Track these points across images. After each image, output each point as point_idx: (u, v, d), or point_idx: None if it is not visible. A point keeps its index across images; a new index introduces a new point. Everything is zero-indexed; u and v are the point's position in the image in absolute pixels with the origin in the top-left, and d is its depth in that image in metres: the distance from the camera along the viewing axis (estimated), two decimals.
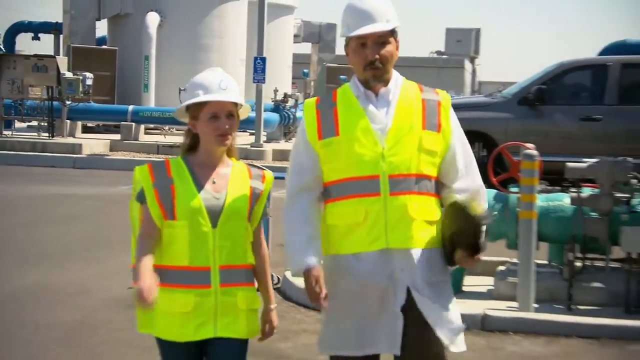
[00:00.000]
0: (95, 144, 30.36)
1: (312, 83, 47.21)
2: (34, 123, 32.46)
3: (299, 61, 52.97)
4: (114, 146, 30.87)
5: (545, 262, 12.08)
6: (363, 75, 3.90)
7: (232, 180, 3.96)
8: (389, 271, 3.81)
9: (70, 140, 30.43)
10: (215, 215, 3.81)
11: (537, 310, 11.09)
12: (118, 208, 17.93)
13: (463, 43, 63.18)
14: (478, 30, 64.07)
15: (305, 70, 46.54)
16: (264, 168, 4.13)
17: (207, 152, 3.94)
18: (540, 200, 12.19)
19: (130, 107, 33.80)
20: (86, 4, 40.51)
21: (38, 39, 45.61)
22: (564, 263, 12.18)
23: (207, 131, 3.84)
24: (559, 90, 19.49)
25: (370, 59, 3.81)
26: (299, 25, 51.41)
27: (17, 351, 8.46)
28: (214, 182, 3.90)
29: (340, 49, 62.40)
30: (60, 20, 41.97)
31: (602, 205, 11.85)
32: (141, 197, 3.88)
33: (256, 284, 4.22)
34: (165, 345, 3.88)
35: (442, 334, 3.81)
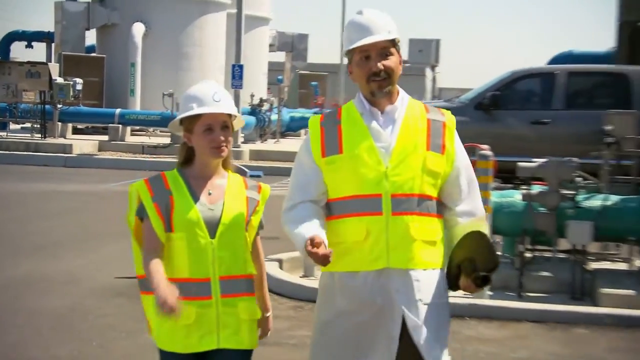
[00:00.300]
0: (84, 145, 30.22)
1: (286, 89, 46.73)
2: (28, 125, 32.39)
3: (274, 68, 52.71)
4: (102, 146, 30.75)
5: (499, 253, 11.43)
6: (367, 88, 3.61)
7: (228, 192, 3.73)
8: (386, 291, 3.54)
9: (61, 140, 30.31)
10: (212, 226, 3.58)
11: (491, 297, 11.63)
12: (106, 203, 17.96)
13: (424, 52, 63.77)
14: (438, 41, 64.67)
15: (279, 77, 46.31)
16: (258, 174, 3.87)
17: (202, 164, 3.70)
18: (494, 197, 12.74)
19: (117, 110, 33.78)
20: (76, 14, 40.46)
21: (31, 47, 45.50)
22: (515, 254, 12.74)
23: (202, 144, 3.60)
24: (511, 96, 19.81)
25: (374, 70, 3.53)
26: (274, 36, 51.53)
27: (11, 336, 8.53)
28: (209, 194, 3.67)
29: (311, 58, 62.93)
30: (52, 30, 41.98)
31: (550, 201, 12.40)
32: (141, 213, 3.64)
33: None
34: (168, 357, 3.64)
35: (433, 353, 3.58)
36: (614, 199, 12.49)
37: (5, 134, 32.64)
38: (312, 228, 3.53)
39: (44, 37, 44.14)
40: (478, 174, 10.83)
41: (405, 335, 3.50)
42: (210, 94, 3.62)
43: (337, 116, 3.78)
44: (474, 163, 10.77)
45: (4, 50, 44.50)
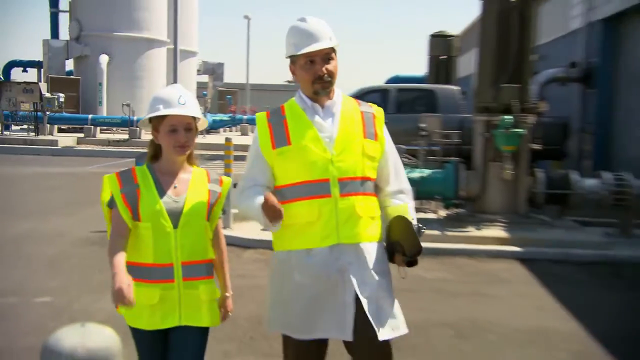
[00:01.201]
0: (66, 140, 30.09)
1: (209, 100, 46.73)
2: (25, 126, 32.23)
3: (200, 87, 51.29)
4: (79, 141, 30.72)
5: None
6: (312, 88, 3.19)
7: (191, 185, 3.24)
8: (338, 265, 3.13)
9: (49, 137, 30.17)
10: (175, 217, 3.12)
11: None
12: (85, 181, 18.00)
13: None
14: None
15: (204, 92, 45.99)
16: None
17: (168, 160, 3.22)
18: None
19: (90, 116, 33.79)
20: (58, 49, 40.28)
21: (26, 71, 44.99)
22: None
23: (166, 142, 3.15)
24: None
25: (320, 74, 3.14)
26: (200, 63, 51.18)
27: (17, 275, 8.53)
28: (175, 187, 3.19)
29: (226, 79, 62.41)
30: (41, 59, 41.49)
31: None
32: (112, 203, 3.15)
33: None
34: (136, 332, 3.17)
35: (379, 325, 3.11)
36: (426, 171, 12.50)
37: (8, 133, 32.70)
38: (257, 192, 3.21)
39: (36, 64, 43.92)
40: None
41: (357, 302, 3.12)
42: (176, 97, 3.16)
43: (282, 112, 3.33)
44: None
45: (6, 73, 44.43)
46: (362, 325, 3.08)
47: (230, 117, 40.73)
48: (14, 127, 34.60)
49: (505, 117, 10.23)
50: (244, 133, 39.78)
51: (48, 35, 43.22)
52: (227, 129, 41.43)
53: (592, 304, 7.78)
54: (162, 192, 3.17)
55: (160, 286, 3.09)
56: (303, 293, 3.19)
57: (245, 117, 42.46)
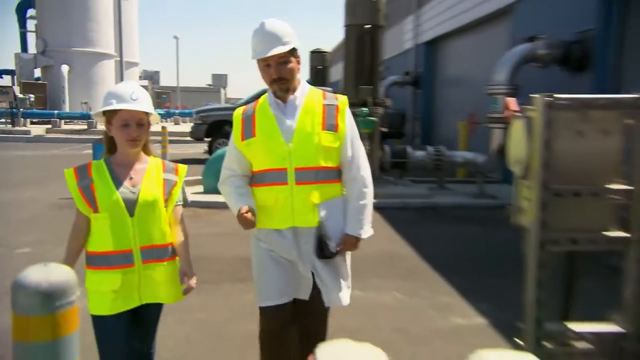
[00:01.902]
0: (38, 130, 28.56)
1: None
2: (2, 120, 30.58)
3: None
4: (48, 131, 29.09)
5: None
6: (272, 88, 2.81)
7: (147, 175, 2.73)
8: (297, 244, 2.81)
9: (23, 128, 28.65)
10: (132, 206, 2.64)
11: None
12: (53, 161, 17.11)
13: (221, 79, 60.67)
14: (225, 76, 61.56)
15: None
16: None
17: (123, 152, 2.71)
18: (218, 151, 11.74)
19: (56, 111, 31.86)
20: (28, 60, 38.62)
21: (2, 77, 42.81)
22: None
23: (119, 137, 2.66)
24: None
25: (274, 77, 2.74)
26: (141, 71, 49.87)
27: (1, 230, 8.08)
28: (131, 178, 2.69)
29: (162, 82, 61.87)
30: (14, 68, 40.17)
31: None
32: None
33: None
34: (99, 320, 2.65)
35: (324, 290, 2.83)
36: None
37: None
38: (243, 199, 2.84)
39: (10, 72, 42.10)
40: None
41: (315, 274, 2.84)
42: (129, 93, 2.65)
43: (253, 107, 2.91)
44: None
45: None
46: (314, 294, 2.83)
47: (165, 111, 39.17)
48: None
49: (363, 109, 10.76)
50: (176, 123, 38.80)
51: (19, 50, 41.88)
52: (163, 120, 40.67)
53: (421, 235, 8.17)
54: (118, 184, 2.66)
55: (122, 271, 2.61)
56: (270, 262, 2.87)
57: (177, 111, 42.03)
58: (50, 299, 1.62)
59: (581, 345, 2.13)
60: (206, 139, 17.68)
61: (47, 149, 21.54)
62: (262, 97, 2.91)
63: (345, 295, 2.94)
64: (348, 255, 3.00)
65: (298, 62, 2.84)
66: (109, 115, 2.66)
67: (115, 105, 2.61)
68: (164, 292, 2.76)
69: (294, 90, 2.83)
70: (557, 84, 11.24)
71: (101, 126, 2.91)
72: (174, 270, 2.80)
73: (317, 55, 24.83)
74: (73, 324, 1.68)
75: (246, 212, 2.74)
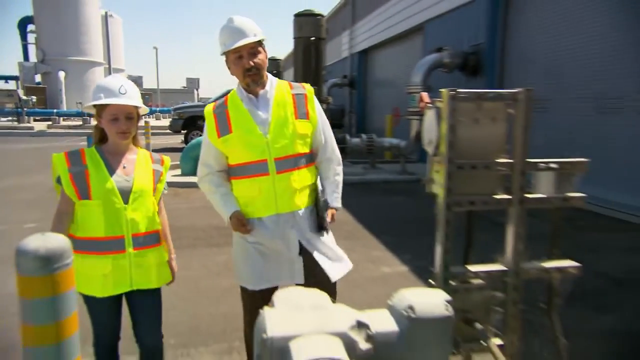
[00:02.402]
0: (40, 126, 27.46)
1: None
2: (9, 118, 29.17)
3: None
4: (49, 127, 27.90)
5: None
6: (244, 81, 2.42)
7: (137, 165, 2.39)
8: (281, 230, 2.45)
9: (27, 125, 27.48)
10: (126, 194, 2.30)
11: None
12: (54, 152, 16.34)
13: (194, 82, 58.61)
14: (197, 80, 59.47)
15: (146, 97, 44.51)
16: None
17: (114, 143, 2.34)
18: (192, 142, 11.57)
19: (55, 110, 30.65)
20: (29, 68, 36.46)
21: (8, 82, 40.45)
22: None
23: (109, 131, 2.31)
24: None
25: (247, 67, 2.37)
26: (127, 76, 47.78)
27: (7, 211, 7.78)
28: (124, 167, 2.34)
29: (145, 85, 59.97)
30: (18, 74, 38.26)
31: None
32: (59, 180, 2.30)
33: None
34: (88, 299, 2.33)
35: (327, 268, 2.48)
36: None
37: None
38: (230, 204, 2.51)
39: (14, 78, 39.70)
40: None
41: (302, 252, 2.47)
42: (117, 87, 2.28)
43: (225, 103, 2.50)
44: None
45: None
46: (311, 272, 2.47)
47: (149, 109, 38.41)
48: (1, 119, 31.10)
49: None
50: (157, 118, 37.82)
51: (21, 59, 39.79)
52: (146, 116, 39.62)
53: (358, 205, 8.13)
54: (112, 172, 2.31)
55: (112, 257, 2.28)
56: (255, 252, 2.51)
57: (157, 109, 41.00)
58: (48, 262, 1.56)
59: (476, 281, 2.19)
60: (182, 131, 17.49)
61: (48, 142, 20.63)
62: (231, 93, 2.52)
63: (345, 265, 2.63)
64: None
65: (266, 56, 2.47)
66: (99, 108, 2.31)
67: (104, 100, 2.25)
68: (155, 277, 2.43)
69: (263, 84, 2.47)
70: (459, 84, 11.51)
71: (95, 121, 2.61)
72: (162, 255, 2.49)
73: (272, 62, 24.54)
74: (70, 283, 1.62)
75: (238, 218, 2.45)
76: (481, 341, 2.08)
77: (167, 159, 2.56)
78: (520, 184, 2.11)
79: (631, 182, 7.94)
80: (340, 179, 2.66)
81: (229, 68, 2.46)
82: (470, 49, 12.03)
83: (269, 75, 2.51)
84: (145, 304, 2.44)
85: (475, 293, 2.15)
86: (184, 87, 59.66)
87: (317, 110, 2.53)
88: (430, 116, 2.16)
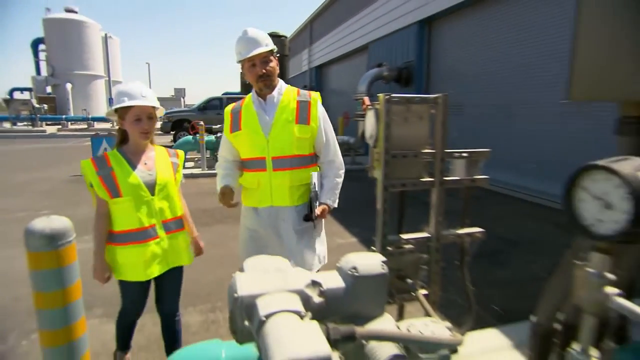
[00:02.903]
0: (52, 129, 26.04)
1: None
2: (25, 123, 27.49)
3: None
4: (59, 130, 26.42)
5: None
6: (257, 86, 2.28)
7: (157, 160, 2.23)
8: (274, 221, 2.31)
9: (40, 128, 26.03)
10: (151, 186, 2.15)
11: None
12: (64, 151, 15.67)
13: (180, 91, 56.30)
14: (184, 89, 57.42)
15: None
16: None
17: (135, 143, 2.17)
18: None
19: (64, 116, 28.76)
20: (41, 81, 34.42)
21: (23, 93, 37.77)
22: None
23: (133, 131, 2.12)
24: (211, 105, 17.16)
25: (260, 74, 2.23)
26: None
27: (25, 201, 7.33)
28: (145, 164, 2.17)
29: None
30: (31, 86, 35.93)
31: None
32: (91, 184, 2.12)
33: None
34: (129, 285, 2.17)
35: (302, 262, 2.26)
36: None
37: (15, 126, 27.34)
38: (224, 180, 2.34)
39: (28, 89, 37.39)
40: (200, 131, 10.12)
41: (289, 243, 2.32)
42: (139, 91, 2.10)
43: (240, 104, 2.37)
44: (198, 127, 10.14)
45: (10, 94, 37.36)
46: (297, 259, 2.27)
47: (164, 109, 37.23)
48: (18, 124, 29.37)
49: None
50: None
51: (34, 73, 36.88)
52: None
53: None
54: (135, 169, 2.15)
55: (149, 244, 2.13)
56: (251, 238, 2.39)
57: None
58: (53, 240, 1.49)
59: (407, 246, 2.21)
60: (171, 132, 17.21)
61: (58, 143, 19.74)
62: (248, 96, 2.37)
63: (323, 256, 2.42)
64: (321, 224, 2.44)
65: (277, 64, 2.31)
66: (122, 111, 2.11)
67: (128, 102, 2.07)
68: (185, 255, 2.30)
69: (273, 88, 2.30)
70: (395, 92, 11.77)
71: (97, 125, 2.44)
72: (187, 237, 2.34)
73: (277, 40, 24.12)
74: (72, 257, 1.56)
75: (224, 192, 2.28)
76: (411, 292, 2.10)
77: (181, 152, 2.38)
78: (440, 169, 2.13)
79: (520, 168, 8.28)
80: (339, 180, 2.40)
81: (244, 74, 2.29)
82: (403, 64, 12.23)
83: (280, 81, 2.34)
84: (173, 280, 2.30)
85: (406, 255, 2.16)
86: (172, 95, 57.68)
87: (319, 117, 2.31)
88: (370, 116, 2.15)
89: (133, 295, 2.22)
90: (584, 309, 0.79)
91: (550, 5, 7.44)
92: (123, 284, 2.18)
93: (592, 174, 0.77)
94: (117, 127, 2.19)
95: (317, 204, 2.27)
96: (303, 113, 2.28)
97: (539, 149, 7.86)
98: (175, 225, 2.25)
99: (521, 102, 8.37)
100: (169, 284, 2.31)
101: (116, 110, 2.12)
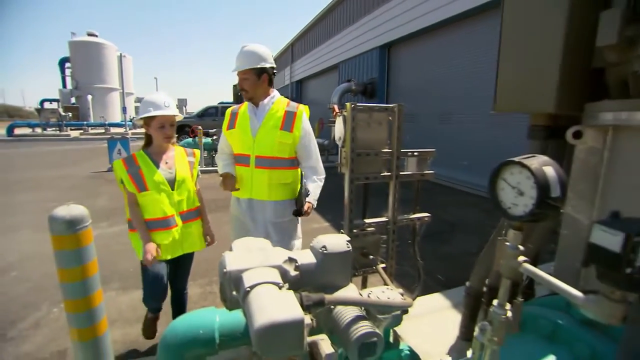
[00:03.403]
0: (75, 133, 25.02)
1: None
2: (53, 128, 26.15)
3: (137, 108, 44.94)
4: (81, 134, 25.40)
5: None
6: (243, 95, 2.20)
7: (177, 160, 2.17)
8: (252, 213, 2.21)
9: (66, 132, 24.91)
10: (172, 182, 2.10)
11: None
12: (85, 151, 15.05)
13: (183, 101, 50.55)
14: (186, 100, 53.11)
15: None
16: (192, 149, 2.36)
17: (159, 146, 2.12)
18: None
19: (85, 122, 27.84)
20: (66, 93, 33.14)
21: (51, 103, 35.83)
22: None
23: (157, 136, 2.08)
24: (207, 113, 16.30)
25: (240, 87, 2.14)
26: (135, 98, 42.56)
27: (52, 194, 7.06)
28: (166, 162, 2.13)
29: None
30: (58, 97, 34.17)
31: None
32: (121, 180, 2.06)
33: None
34: (154, 266, 2.08)
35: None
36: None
37: (45, 131, 25.81)
38: (225, 168, 2.25)
39: (56, 100, 35.50)
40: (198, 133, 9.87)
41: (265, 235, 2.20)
42: (162, 101, 2.06)
43: (239, 108, 2.25)
44: (197, 130, 9.88)
45: (40, 104, 35.60)
46: None
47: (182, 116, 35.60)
48: (48, 129, 28.08)
49: None
50: None
51: (60, 86, 35.45)
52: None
53: None
54: (158, 167, 2.10)
55: (169, 231, 2.09)
56: (237, 224, 2.29)
57: None
58: (72, 224, 1.43)
59: (370, 229, 2.21)
60: (175, 136, 16.48)
61: (81, 145, 18.95)
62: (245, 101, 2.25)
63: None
64: (300, 221, 2.32)
65: (259, 79, 2.13)
66: (148, 119, 2.06)
67: (153, 112, 2.04)
68: (198, 243, 2.24)
69: (264, 98, 2.18)
70: (361, 103, 11.83)
71: (114, 130, 2.34)
72: (200, 227, 2.26)
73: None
74: (89, 239, 1.50)
75: (225, 177, 2.20)
76: (373, 266, 2.11)
77: (197, 151, 2.30)
78: (396, 165, 2.13)
79: (460, 165, 8.46)
80: (320, 184, 2.27)
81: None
82: (368, 80, 12.30)
83: (273, 91, 2.22)
84: (184, 263, 2.26)
85: (369, 236, 2.17)
86: (177, 105, 54.90)
87: (302, 127, 2.18)
88: (339, 121, 2.14)
89: (156, 276, 2.10)
90: (503, 274, 0.82)
91: (487, 34, 7.60)
92: (146, 268, 2.08)
93: (510, 168, 0.82)
94: (129, 132, 2.22)
95: (305, 201, 2.17)
96: (288, 122, 2.18)
97: (473, 150, 8.04)
98: (191, 215, 2.20)
99: (461, 112, 8.54)
100: (182, 266, 2.27)
101: (143, 117, 2.08)
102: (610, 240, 0.61)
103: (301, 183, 2.23)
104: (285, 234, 2.23)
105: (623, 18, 1.04)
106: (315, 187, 2.25)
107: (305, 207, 2.17)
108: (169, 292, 2.29)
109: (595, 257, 0.63)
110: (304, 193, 2.18)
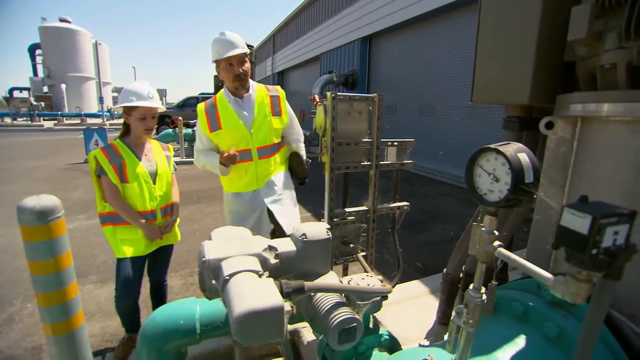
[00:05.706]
0: (48, 124, 23.91)
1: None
2: (24, 118, 25.02)
3: (115, 99, 43.47)
4: (55, 124, 24.24)
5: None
6: (232, 85, 2.02)
7: (154, 153, 2.06)
8: (257, 203, 2.09)
9: (38, 123, 23.82)
10: (153, 176, 2.00)
11: None
12: (60, 142, 14.49)
13: (162, 91, 49.68)
14: (165, 90, 51.66)
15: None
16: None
17: (138, 137, 1.99)
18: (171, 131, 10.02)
19: (59, 112, 26.40)
20: (38, 82, 31.30)
21: (21, 92, 34.04)
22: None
23: (137, 127, 1.95)
24: (188, 104, 15.17)
25: (237, 73, 1.98)
26: (112, 87, 41.42)
27: (26, 186, 6.75)
28: (146, 155, 2.00)
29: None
30: (29, 86, 32.39)
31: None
32: (101, 171, 1.90)
33: None
34: (128, 262, 1.96)
35: (283, 223, 2.08)
36: None
37: (15, 121, 24.64)
38: (213, 158, 2.07)
39: (27, 89, 33.70)
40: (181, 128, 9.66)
41: (271, 217, 2.12)
42: (146, 92, 1.92)
43: (214, 104, 2.06)
44: (179, 121, 9.66)
45: (10, 93, 33.70)
46: (276, 227, 2.11)
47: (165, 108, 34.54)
48: (18, 119, 26.68)
49: None
50: None
51: (32, 74, 33.34)
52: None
53: None
54: (139, 159, 1.99)
55: (151, 225, 2.00)
56: (237, 220, 2.16)
57: None
58: (43, 215, 1.37)
59: (350, 217, 2.21)
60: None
61: (55, 135, 18.08)
62: (218, 96, 2.08)
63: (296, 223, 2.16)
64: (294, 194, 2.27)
65: (251, 65, 2.09)
66: (129, 108, 1.91)
67: (136, 102, 1.89)
68: (174, 236, 2.17)
69: (247, 89, 2.08)
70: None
71: (90, 120, 2.20)
72: (176, 220, 2.17)
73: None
74: (61, 230, 1.43)
75: (222, 153, 2.02)
76: (353, 255, 2.12)
77: (170, 146, 2.22)
78: (376, 155, 2.10)
79: (438, 156, 8.60)
80: (304, 152, 2.29)
81: (218, 73, 2.04)
82: (349, 72, 12.26)
83: (250, 81, 2.13)
84: (162, 255, 2.18)
85: (349, 225, 2.17)
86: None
87: (287, 107, 2.18)
88: (320, 110, 2.12)
89: (132, 271, 1.98)
90: (478, 258, 0.83)
91: (465, 28, 7.68)
92: (121, 263, 1.97)
93: (486, 154, 0.83)
94: (107, 123, 2.09)
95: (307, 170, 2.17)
96: (276, 107, 2.13)
97: (451, 141, 8.17)
98: (168, 210, 2.13)
99: (440, 104, 8.64)
100: (160, 259, 2.21)
101: (124, 106, 1.93)
102: (579, 222, 0.62)
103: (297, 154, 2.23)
104: (292, 201, 2.21)
105: (592, 13, 1.06)
106: (303, 156, 2.28)
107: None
108: (148, 284, 2.23)
109: (564, 240, 0.65)
110: (304, 162, 2.18)
